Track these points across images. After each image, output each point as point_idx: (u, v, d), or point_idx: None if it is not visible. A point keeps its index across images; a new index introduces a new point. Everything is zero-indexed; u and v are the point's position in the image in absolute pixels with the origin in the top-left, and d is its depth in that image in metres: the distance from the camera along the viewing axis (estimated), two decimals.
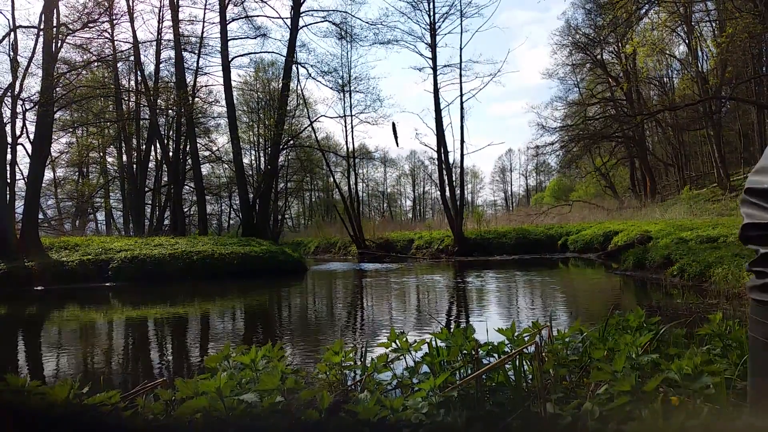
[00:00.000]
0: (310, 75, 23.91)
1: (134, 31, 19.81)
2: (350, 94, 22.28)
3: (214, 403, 1.34)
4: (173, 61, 20.56)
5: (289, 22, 20.31)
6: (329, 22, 21.37)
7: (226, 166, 29.26)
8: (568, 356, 1.91)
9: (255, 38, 23.50)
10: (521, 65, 64.48)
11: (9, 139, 12.73)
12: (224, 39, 19.43)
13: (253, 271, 11.72)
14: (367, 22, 22.02)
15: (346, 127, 22.23)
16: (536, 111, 41.94)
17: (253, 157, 30.98)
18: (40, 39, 13.27)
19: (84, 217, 28.21)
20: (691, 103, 21.42)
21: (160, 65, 21.78)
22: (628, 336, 1.76)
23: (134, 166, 23.17)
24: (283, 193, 30.85)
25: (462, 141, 18.22)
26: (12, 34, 13.69)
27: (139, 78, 21.04)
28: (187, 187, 25.42)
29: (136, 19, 19.88)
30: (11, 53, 13.67)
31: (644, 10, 17.74)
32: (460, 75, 18.25)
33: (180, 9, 19.72)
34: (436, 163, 19.73)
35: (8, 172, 12.34)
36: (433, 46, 18.43)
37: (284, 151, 25.49)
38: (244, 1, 20.55)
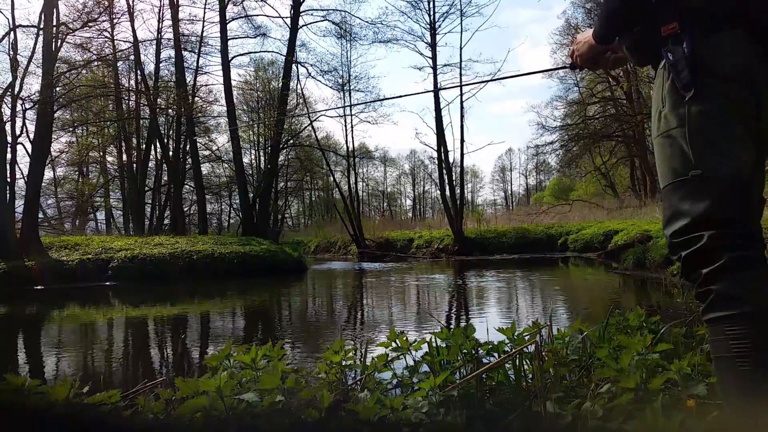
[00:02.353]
0: (309, 74, 23.93)
1: (134, 31, 19.79)
2: (350, 94, 22.29)
3: (214, 402, 1.34)
4: (173, 60, 20.53)
5: (288, 21, 20.29)
6: (329, 21, 21.37)
7: (226, 165, 29.24)
8: (568, 356, 1.91)
9: (255, 37, 23.48)
10: (523, 64, 64.33)
11: (9, 139, 12.71)
12: (224, 38, 19.40)
13: (253, 271, 11.72)
14: (366, 21, 22.02)
15: (345, 126, 22.25)
16: (536, 110, 41.78)
17: (253, 157, 30.99)
18: (40, 38, 13.25)
19: (84, 216, 28.21)
20: None
21: (160, 64, 21.74)
22: (644, 337, 1.75)
23: (134, 165, 23.15)
24: (283, 193, 30.84)
25: (462, 140, 18.23)
26: (12, 33, 13.68)
27: (139, 77, 21.01)
28: (187, 186, 25.39)
29: (136, 19, 19.86)
30: (11, 52, 13.65)
31: None
32: (460, 74, 18.24)
33: (180, 8, 19.70)
34: (436, 162, 19.74)
35: (8, 172, 12.33)
36: (433, 46, 18.42)
37: (284, 151, 25.48)
38: (243, 0, 20.56)
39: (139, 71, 20.81)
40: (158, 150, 23.12)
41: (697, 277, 1.15)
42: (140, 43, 20.14)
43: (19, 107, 13.39)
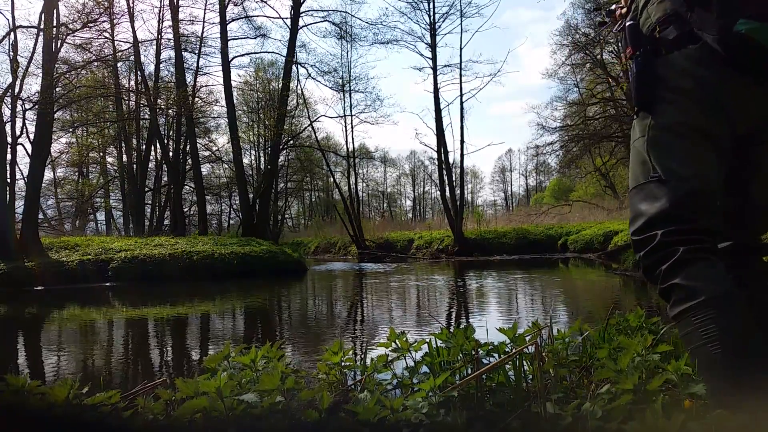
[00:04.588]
0: (309, 75, 23.94)
1: (134, 31, 19.80)
2: (350, 94, 22.33)
3: (214, 403, 1.34)
4: (173, 61, 20.56)
5: (289, 22, 20.32)
6: (329, 22, 21.41)
7: (226, 166, 29.24)
8: (568, 356, 1.91)
9: (255, 38, 23.56)
10: (524, 64, 64.24)
11: (9, 139, 12.72)
12: (224, 39, 19.42)
13: (253, 271, 11.71)
14: (367, 22, 22.09)
15: (346, 127, 22.29)
16: (536, 111, 41.72)
17: (253, 157, 30.97)
18: (40, 39, 13.26)
19: (84, 217, 28.19)
20: None
21: (160, 65, 21.78)
22: (645, 338, 1.75)
23: (134, 166, 23.15)
24: (283, 193, 30.83)
25: (462, 141, 18.25)
26: (12, 34, 13.68)
27: (139, 78, 21.01)
28: (187, 187, 25.39)
29: (136, 19, 19.87)
30: (11, 53, 13.66)
31: None
32: (460, 75, 18.27)
33: (180, 9, 19.73)
34: (436, 163, 19.76)
35: (8, 172, 12.34)
36: (433, 46, 18.44)
37: (284, 151, 25.47)
38: (244, 1, 20.57)
39: (139, 72, 20.82)
40: (158, 150, 23.13)
41: (658, 275, 1.21)
42: (140, 44, 20.17)
43: (19, 108, 13.41)
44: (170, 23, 19.57)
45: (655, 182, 1.25)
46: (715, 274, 1.16)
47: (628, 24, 1.36)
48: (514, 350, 1.73)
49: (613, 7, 1.67)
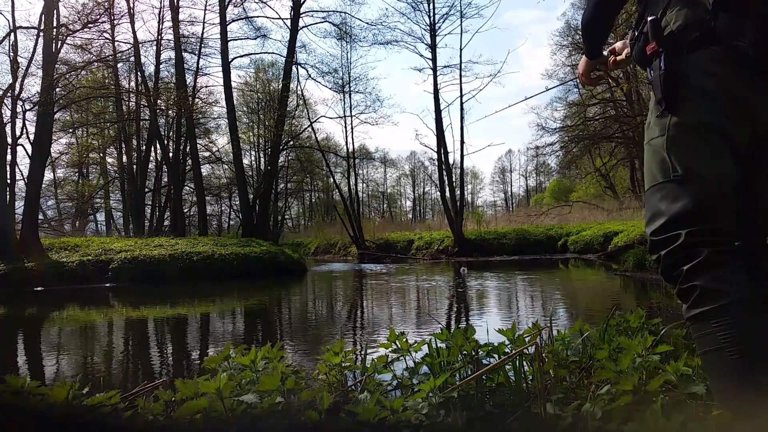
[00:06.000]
0: (310, 76, 23.95)
1: (134, 32, 19.81)
2: (350, 95, 22.34)
3: (214, 403, 1.34)
4: (173, 61, 20.55)
5: (289, 22, 20.32)
6: (329, 22, 21.41)
7: (226, 166, 29.23)
8: (568, 357, 1.91)
9: (255, 39, 23.56)
10: (525, 65, 64.29)
11: (9, 140, 12.72)
12: (224, 40, 19.43)
13: (253, 272, 11.72)
14: (367, 23, 22.18)
15: (346, 127, 22.30)
16: (536, 111, 41.66)
17: (253, 158, 30.97)
18: (40, 40, 13.26)
19: (84, 217, 28.19)
20: None
21: (161, 66, 21.75)
22: (645, 339, 1.75)
23: (134, 166, 23.15)
24: (283, 194, 30.80)
25: (462, 142, 18.28)
26: (12, 34, 13.69)
27: (140, 78, 21.02)
28: (187, 187, 25.38)
29: (137, 20, 19.87)
30: (11, 54, 13.67)
31: None
32: (460, 76, 18.27)
33: (180, 9, 19.73)
34: (436, 163, 19.76)
35: (8, 173, 12.33)
36: (433, 47, 18.45)
37: (284, 152, 25.46)
38: (244, 1, 20.57)
39: (139, 72, 20.83)
40: (158, 151, 23.12)
41: (678, 275, 1.20)
42: (140, 45, 20.17)
43: (19, 108, 13.41)
44: (170, 24, 19.58)
45: (675, 182, 1.24)
46: (738, 279, 1.15)
47: (650, 19, 1.33)
48: (514, 351, 1.73)
49: (605, 53, 1.66)
